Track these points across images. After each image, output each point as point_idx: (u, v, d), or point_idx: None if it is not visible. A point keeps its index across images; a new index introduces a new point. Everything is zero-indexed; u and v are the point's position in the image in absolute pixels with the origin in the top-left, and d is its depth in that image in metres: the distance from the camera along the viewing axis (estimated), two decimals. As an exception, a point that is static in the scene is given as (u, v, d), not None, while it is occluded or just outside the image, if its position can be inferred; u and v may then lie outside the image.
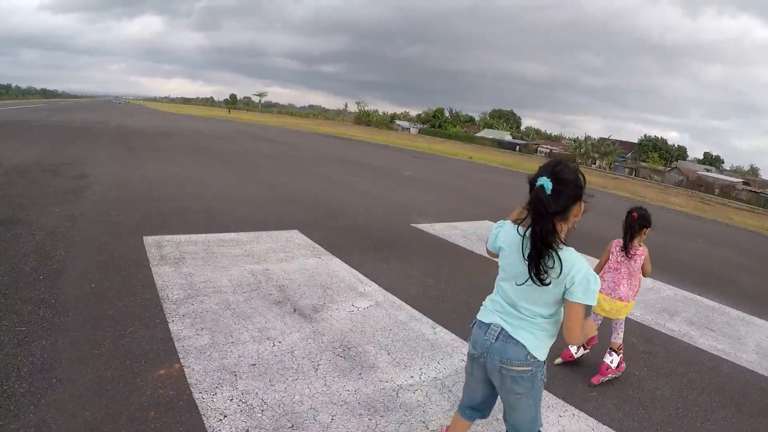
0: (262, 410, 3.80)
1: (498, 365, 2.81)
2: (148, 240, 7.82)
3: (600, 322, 5.45)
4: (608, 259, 5.52)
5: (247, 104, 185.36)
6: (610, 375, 5.39)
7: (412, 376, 4.69)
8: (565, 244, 2.64)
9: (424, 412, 4.15)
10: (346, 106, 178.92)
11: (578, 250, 2.71)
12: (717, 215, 35.32)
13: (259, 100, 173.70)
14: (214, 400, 3.88)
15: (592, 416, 4.62)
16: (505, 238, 2.93)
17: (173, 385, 4.07)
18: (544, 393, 4.57)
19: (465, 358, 3.88)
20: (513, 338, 2.78)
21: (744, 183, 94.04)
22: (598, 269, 5.48)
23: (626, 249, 5.38)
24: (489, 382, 2.99)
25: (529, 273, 2.61)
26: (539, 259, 2.57)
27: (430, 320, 6.12)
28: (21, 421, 3.46)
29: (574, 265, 2.60)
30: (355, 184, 17.11)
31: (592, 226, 13.20)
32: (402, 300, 6.65)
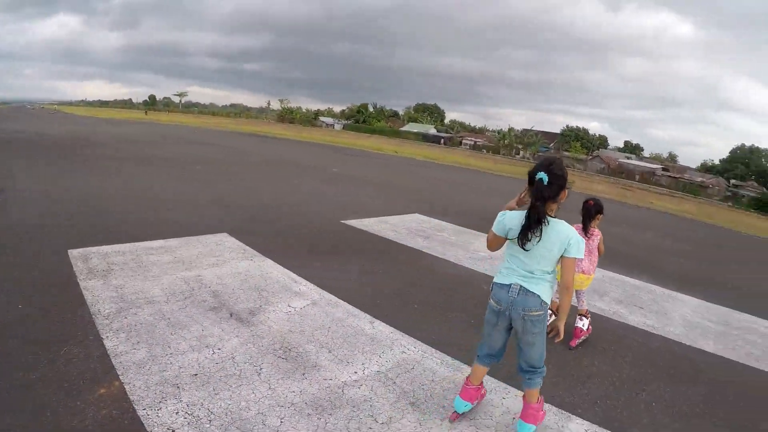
0: (210, 420, 3.75)
1: (521, 313, 3.80)
2: (74, 253, 7.45)
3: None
4: (593, 240, 6.47)
5: (167, 105, 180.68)
6: (583, 337, 6.39)
7: (355, 372, 4.72)
8: (555, 218, 3.74)
9: (371, 406, 4.19)
10: (269, 104, 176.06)
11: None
12: (638, 200, 36.26)
13: (180, 101, 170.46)
14: (160, 415, 3.79)
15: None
16: (510, 222, 3.83)
17: (116, 403, 3.94)
18: (488, 377, 4.75)
19: (405, 350, 4.92)
20: (531, 291, 3.78)
21: (663, 169, 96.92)
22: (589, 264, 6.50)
23: (585, 230, 6.39)
24: (508, 330, 4.00)
25: (520, 237, 3.72)
26: (529, 230, 3.66)
27: (368, 315, 6.16)
28: None
29: (569, 232, 3.72)
30: (282, 183, 17.00)
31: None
32: (338, 297, 6.65)
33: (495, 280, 4.04)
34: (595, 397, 4.96)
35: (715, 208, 50.76)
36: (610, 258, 10.84)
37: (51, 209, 10.11)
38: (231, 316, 5.70)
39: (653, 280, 10.28)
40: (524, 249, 3.75)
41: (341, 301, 6.55)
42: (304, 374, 4.60)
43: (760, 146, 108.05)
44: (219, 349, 4.90)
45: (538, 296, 3.79)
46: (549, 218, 3.67)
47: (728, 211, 54.59)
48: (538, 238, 3.67)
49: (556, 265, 3.85)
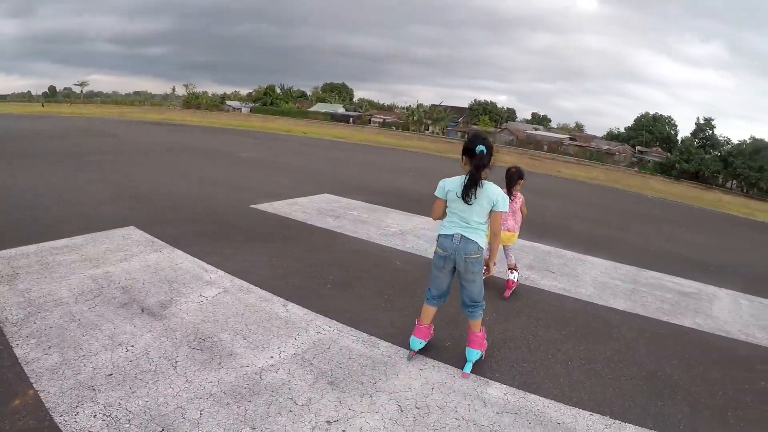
0: (129, 420, 3.66)
1: (464, 256, 4.68)
2: None
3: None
4: (514, 203, 7.44)
5: (68, 96, 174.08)
6: (513, 287, 7.27)
7: (271, 356, 4.69)
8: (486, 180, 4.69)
9: (290, 389, 4.17)
10: (173, 90, 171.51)
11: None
12: (547, 170, 36.97)
13: (81, 90, 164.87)
14: (78, 420, 3.68)
15: (451, 365, 4.83)
16: (451, 185, 4.79)
17: (32, 413, 3.79)
18: (405, 352, 4.94)
19: (320, 330, 5.26)
20: (470, 239, 4.68)
21: (571, 139, 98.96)
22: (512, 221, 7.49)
23: (510, 194, 7.22)
24: (452, 272, 4.87)
25: (462, 195, 4.62)
26: (469, 189, 4.58)
27: (281, 298, 6.11)
28: None
29: (497, 191, 4.69)
30: (190, 171, 16.59)
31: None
32: (250, 283, 6.58)
33: (440, 232, 4.88)
34: (512, 361, 5.06)
35: (621, 174, 52.13)
36: (522, 227, 11.09)
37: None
38: (142, 311, 5.53)
39: (563, 244, 10.56)
40: (468, 204, 4.64)
41: (253, 287, 6.47)
42: (220, 363, 4.54)
43: (663, 114, 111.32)
44: (132, 346, 4.77)
45: (476, 242, 4.69)
46: (482, 181, 4.63)
47: (634, 176, 56.24)
48: (474, 197, 4.60)
49: (487, 218, 4.79)
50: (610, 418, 4.22)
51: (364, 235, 9.61)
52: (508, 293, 7.16)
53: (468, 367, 4.81)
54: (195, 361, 4.56)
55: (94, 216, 9.50)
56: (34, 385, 4.09)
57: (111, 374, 4.25)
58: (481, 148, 4.60)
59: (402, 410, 3.99)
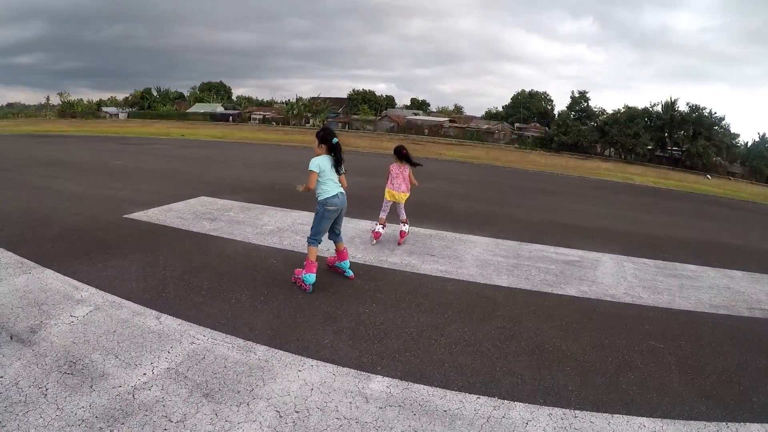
0: None
1: (345, 207, 6.90)
2: None
3: (388, 208, 9.36)
4: (390, 174, 9.41)
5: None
6: (405, 237, 9.43)
7: (144, 374, 4.43)
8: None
9: (164, 406, 3.95)
10: (48, 99, 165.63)
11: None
12: (428, 153, 37.30)
13: None
14: None
15: (330, 362, 4.71)
16: (322, 163, 6.68)
17: None
18: (283, 354, 4.77)
19: (194, 341, 5.00)
20: (344, 194, 6.87)
21: (450, 121, 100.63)
22: (388, 180, 9.45)
23: (400, 164, 9.36)
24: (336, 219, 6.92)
25: (337, 169, 6.76)
26: (339, 164, 6.74)
27: (154, 311, 5.82)
28: None
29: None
30: (60, 186, 15.84)
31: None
32: (122, 297, 6.25)
33: (327, 196, 6.70)
34: (394, 352, 4.98)
35: (501, 151, 53.18)
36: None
37: None
38: (12, 338, 5.16)
39: (444, 226, 10.64)
40: (339, 173, 6.83)
41: (125, 301, 6.15)
42: (92, 386, 4.27)
43: (539, 90, 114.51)
44: (1, 377, 4.42)
45: (345, 195, 6.93)
46: None
47: (514, 152, 57.53)
48: (342, 168, 6.86)
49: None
50: (498, 398, 4.20)
51: (240, 236, 9.30)
52: (401, 241, 9.33)
53: (350, 272, 7.21)
54: (66, 386, 4.27)
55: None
56: None
57: (-21, 410, 3.93)
58: (336, 140, 6.73)
59: (281, 416, 3.83)
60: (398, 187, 9.23)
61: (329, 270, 7.51)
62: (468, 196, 15.85)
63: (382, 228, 9.24)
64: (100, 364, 4.63)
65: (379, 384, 4.35)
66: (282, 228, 9.81)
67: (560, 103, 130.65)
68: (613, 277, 7.90)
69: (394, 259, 8.07)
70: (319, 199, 6.77)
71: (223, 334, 5.27)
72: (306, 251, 6.83)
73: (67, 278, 6.87)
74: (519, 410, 4.04)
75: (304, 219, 10.65)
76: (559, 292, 6.96)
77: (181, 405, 3.97)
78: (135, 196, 13.24)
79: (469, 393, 4.25)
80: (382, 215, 9.24)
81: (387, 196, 9.26)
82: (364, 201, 12.03)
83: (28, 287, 6.53)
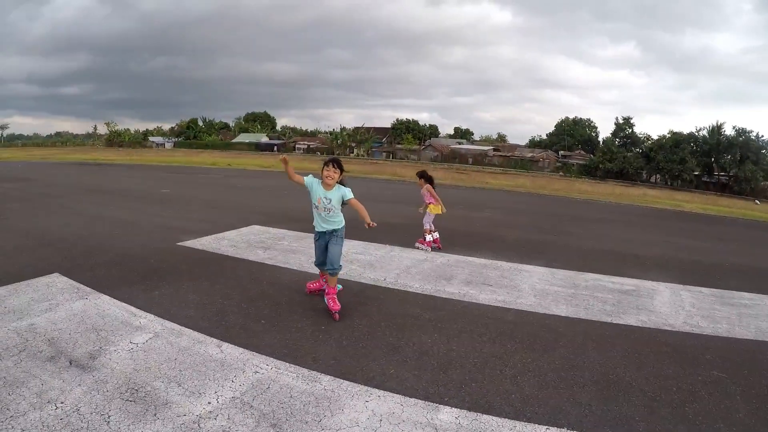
0: None
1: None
2: None
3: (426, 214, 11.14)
4: (423, 194, 11.31)
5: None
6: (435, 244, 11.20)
7: (209, 402, 4.43)
8: (343, 184, 6.84)
9: (231, 437, 3.92)
10: (95, 128, 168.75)
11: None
12: (474, 182, 37.42)
13: (2, 134, 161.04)
14: None
15: (397, 393, 4.65)
16: (316, 184, 6.88)
17: None
18: (348, 385, 4.67)
19: (258, 370, 4.93)
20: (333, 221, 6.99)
21: (494, 150, 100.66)
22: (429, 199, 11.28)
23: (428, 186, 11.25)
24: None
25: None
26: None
27: (215, 339, 5.83)
28: None
29: (346, 190, 6.81)
30: (111, 213, 16.03)
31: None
32: (181, 325, 6.27)
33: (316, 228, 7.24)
34: (459, 382, 4.91)
35: (547, 180, 53.01)
36: (451, 241, 11.10)
37: None
38: (71, 363, 5.21)
39: (497, 256, 10.52)
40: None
41: (185, 329, 6.17)
42: (155, 415, 4.26)
43: (582, 117, 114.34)
44: (62, 403, 4.43)
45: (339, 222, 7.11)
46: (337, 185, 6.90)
47: (560, 180, 57.24)
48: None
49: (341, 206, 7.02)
50: (567, 429, 4.13)
51: (295, 265, 9.33)
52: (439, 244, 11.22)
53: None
54: (129, 414, 4.26)
55: (14, 266, 8.99)
56: None
57: (40, 436, 3.92)
58: (343, 168, 6.95)
59: (350, 447, 3.78)
60: (431, 202, 11.25)
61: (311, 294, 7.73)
62: (518, 225, 15.84)
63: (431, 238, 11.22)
64: (162, 392, 4.63)
65: (447, 415, 4.28)
66: (342, 254, 9.85)
67: (604, 130, 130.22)
68: (670, 306, 7.75)
69: (452, 289, 7.99)
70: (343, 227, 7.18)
71: (287, 363, 5.23)
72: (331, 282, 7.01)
73: (124, 304, 6.93)
74: None
75: (357, 248, 10.77)
76: (619, 322, 6.85)
77: (248, 435, 3.92)
78: (186, 225, 13.38)
79: (539, 424, 4.18)
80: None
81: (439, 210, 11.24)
82: (418, 231, 12.01)
83: (86, 313, 6.59)
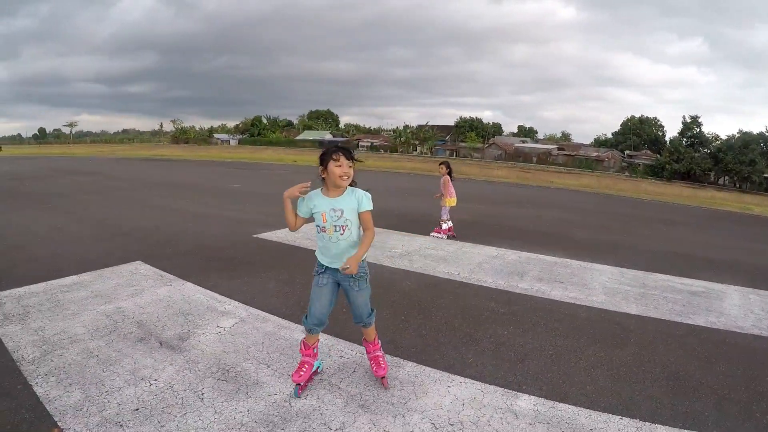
0: None
1: None
2: None
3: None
4: (442, 183, 11.94)
5: (58, 137, 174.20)
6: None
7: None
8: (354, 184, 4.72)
9: (321, 414, 4.17)
10: (161, 126, 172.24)
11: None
12: (539, 181, 37.24)
13: (71, 131, 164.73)
14: None
15: (477, 380, 4.85)
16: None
17: None
18: (431, 371, 5.02)
19: (343, 354, 5.35)
20: None
21: (559, 148, 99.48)
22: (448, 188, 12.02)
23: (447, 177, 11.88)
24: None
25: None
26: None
27: (299, 325, 6.01)
28: None
29: (363, 195, 4.65)
30: (185, 206, 16.42)
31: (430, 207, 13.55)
32: (265, 311, 6.57)
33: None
34: (536, 372, 5.09)
35: (612, 180, 52.45)
36: (520, 239, 11.32)
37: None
38: (161, 344, 5.52)
39: (567, 254, 10.62)
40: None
41: (270, 315, 6.46)
42: (247, 393, 4.52)
43: (648, 116, 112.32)
44: (155, 380, 4.73)
45: None
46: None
47: (625, 180, 56.54)
48: None
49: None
50: (641, 420, 4.26)
51: (370, 258, 9.36)
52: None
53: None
54: (221, 391, 4.54)
55: (97, 253, 9.49)
56: (59, 424, 4.05)
57: (137, 409, 4.22)
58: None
59: (436, 428, 3.99)
60: (450, 193, 12.07)
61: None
62: (586, 225, 15.86)
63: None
64: (252, 372, 4.91)
65: (526, 402, 4.47)
66: (410, 252, 10.11)
67: (671, 129, 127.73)
68: (739, 308, 7.74)
69: (524, 285, 8.15)
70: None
71: (370, 349, 5.42)
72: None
73: (208, 291, 7.25)
74: None
75: (429, 243, 11.03)
76: (688, 322, 6.89)
77: (338, 414, 4.17)
78: (258, 218, 13.75)
79: (612, 414, 4.33)
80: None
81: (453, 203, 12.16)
82: (486, 228, 12.17)
83: (171, 298, 6.93)
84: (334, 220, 4.48)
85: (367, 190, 4.64)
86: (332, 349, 5.49)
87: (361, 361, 5.23)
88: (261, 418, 4.11)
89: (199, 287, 7.42)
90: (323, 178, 4.62)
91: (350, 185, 4.62)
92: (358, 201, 4.55)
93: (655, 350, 5.85)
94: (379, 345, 4.94)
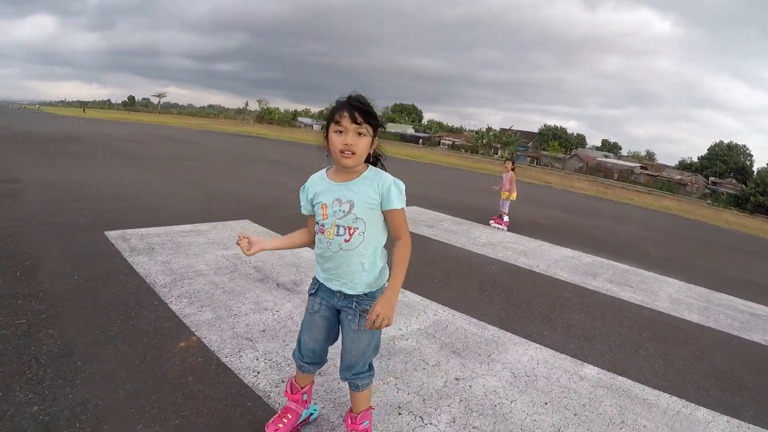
0: (288, 364, 4.39)
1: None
2: (111, 234, 7.92)
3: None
4: (505, 178, 13.44)
5: (146, 105, 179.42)
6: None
7: (400, 329, 5.51)
8: (379, 160, 3.31)
9: (420, 353, 5.00)
10: (246, 104, 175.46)
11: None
12: (618, 197, 37.08)
13: (159, 102, 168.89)
14: (242, 361, 4.37)
15: (550, 348, 5.61)
16: None
17: (198, 353, 4.46)
18: (511, 336, 5.81)
19: (437, 313, 6.08)
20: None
21: (642, 167, 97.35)
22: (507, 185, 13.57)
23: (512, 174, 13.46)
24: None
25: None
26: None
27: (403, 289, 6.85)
28: (61, 403, 3.54)
29: (389, 181, 2.99)
30: (281, 181, 17.51)
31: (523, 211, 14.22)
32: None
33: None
34: (601, 351, 5.78)
35: (693, 206, 51.43)
36: (596, 246, 11.92)
37: (69, 197, 10.67)
38: (278, 286, 6.34)
39: (639, 265, 11.12)
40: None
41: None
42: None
43: (738, 143, 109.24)
44: (277, 311, 5.56)
45: None
46: None
47: (707, 208, 55.22)
48: None
49: None
50: (687, 401, 4.85)
51: (457, 243, 10.42)
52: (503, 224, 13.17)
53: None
54: (333, 330, 5.36)
55: (204, 211, 10.53)
56: (196, 333, 4.85)
57: (264, 330, 5.05)
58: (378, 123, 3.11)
59: (515, 376, 4.77)
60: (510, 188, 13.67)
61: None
62: (660, 243, 16.23)
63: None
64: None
65: (591, 370, 5.18)
66: (493, 243, 10.93)
67: (760, 159, 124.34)
68: (798, 333, 8.10)
69: (596, 284, 8.78)
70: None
71: (460, 313, 6.28)
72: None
73: (313, 250, 8.01)
74: (703, 413, 4.67)
75: (510, 238, 11.81)
76: (744, 337, 7.32)
77: (434, 354, 4.99)
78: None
79: (663, 392, 4.95)
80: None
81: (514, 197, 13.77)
82: (564, 232, 12.85)
83: (282, 253, 7.76)
84: (338, 217, 2.94)
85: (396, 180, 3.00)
86: (427, 308, 6.31)
87: (452, 319, 6.05)
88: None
89: (305, 248, 8.21)
90: (327, 153, 3.03)
91: (372, 164, 3.11)
92: (382, 192, 2.91)
93: (709, 353, 6.37)
94: (366, 425, 3.37)
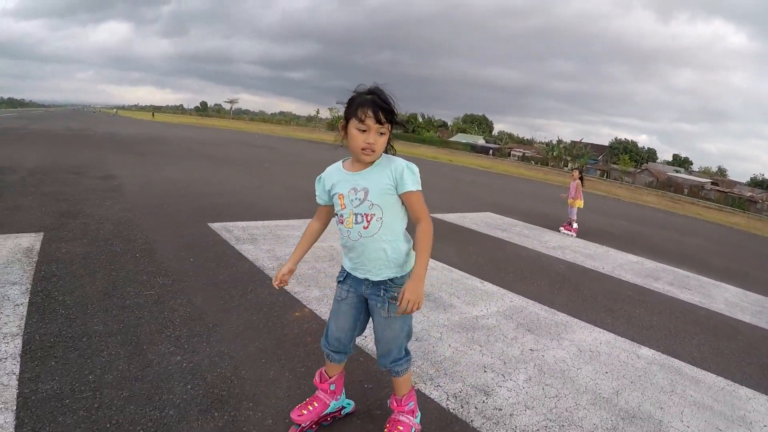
0: None
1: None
2: (215, 226, 8.77)
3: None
4: (573, 187, 13.96)
5: (218, 111, 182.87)
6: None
7: (481, 311, 6.34)
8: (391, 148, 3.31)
9: (499, 329, 5.82)
10: (318, 112, 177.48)
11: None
12: (687, 212, 36.92)
13: (231, 107, 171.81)
14: None
15: (612, 332, 6.39)
16: None
17: (313, 321, 5.24)
18: (578, 323, 6.66)
19: (512, 300, 6.91)
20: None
21: (713, 183, 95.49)
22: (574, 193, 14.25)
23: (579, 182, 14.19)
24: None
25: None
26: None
27: (477, 278, 7.80)
28: (200, 354, 4.27)
29: (402, 165, 3.09)
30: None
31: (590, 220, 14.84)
32: (449, 265, 8.32)
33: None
34: (657, 338, 6.48)
35: (763, 223, 50.57)
36: (660, 254, 12.57)
37: (168, 192, 11.80)
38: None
39: (699, 272, 11.65)
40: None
41: (453, 268, 8.15)
42: (445, 310, 6.19)
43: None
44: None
45: None
46: None
47: (778, 226, 54.39)
48: None
49: None
50: (731, 381, 5.49)
51: (529, 245, 11.19)
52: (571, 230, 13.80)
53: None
54: (427, 305, 6.24)
55: (293, 209, 11.55)
56: (308, 306, 5.69)
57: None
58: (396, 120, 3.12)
59: (580, 351, 5.58)
60: (576, 196, 14.17)
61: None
62: (723, 255, 16.58)
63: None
64: (446, 299, 6.61)
65: (647, 351, 5.91)
66: (563, 246, 11.68)
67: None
68: None
69: (657, 285, 9.43)
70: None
71: (533, 301, 7.09)
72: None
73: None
74: (745, 391, 5.29)
75: (578, 243, 12.50)
76: None
77: (511, 331, 5.83)
78: (431, 202, 15.31)
79: (711, 372, 5.62)
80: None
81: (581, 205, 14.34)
82: (630, 240, 13.55)
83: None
84: (355, 206, 3.05)
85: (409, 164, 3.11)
86: (504, 295, 7.15)
87: (525, 305, 6.87)
88: (456, 324, 5.81)
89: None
90: (343, 142, 3.15)
91: (384, 152, 3.13)
92: (395, 176, 3.02)
93: (758, 348, 6.90)
94: (411, 406, 3.46)
